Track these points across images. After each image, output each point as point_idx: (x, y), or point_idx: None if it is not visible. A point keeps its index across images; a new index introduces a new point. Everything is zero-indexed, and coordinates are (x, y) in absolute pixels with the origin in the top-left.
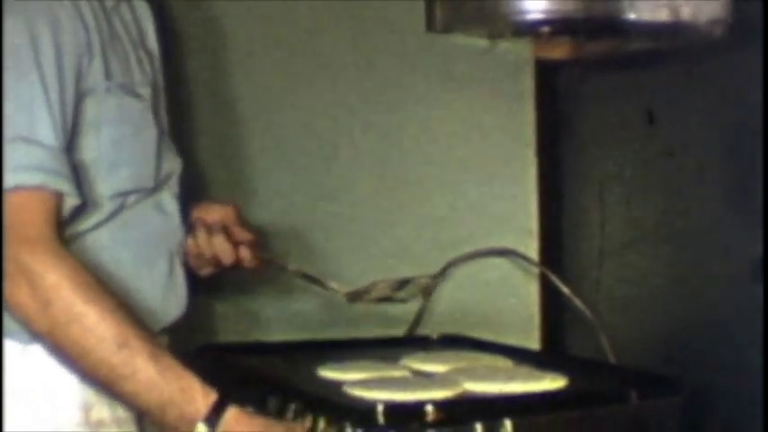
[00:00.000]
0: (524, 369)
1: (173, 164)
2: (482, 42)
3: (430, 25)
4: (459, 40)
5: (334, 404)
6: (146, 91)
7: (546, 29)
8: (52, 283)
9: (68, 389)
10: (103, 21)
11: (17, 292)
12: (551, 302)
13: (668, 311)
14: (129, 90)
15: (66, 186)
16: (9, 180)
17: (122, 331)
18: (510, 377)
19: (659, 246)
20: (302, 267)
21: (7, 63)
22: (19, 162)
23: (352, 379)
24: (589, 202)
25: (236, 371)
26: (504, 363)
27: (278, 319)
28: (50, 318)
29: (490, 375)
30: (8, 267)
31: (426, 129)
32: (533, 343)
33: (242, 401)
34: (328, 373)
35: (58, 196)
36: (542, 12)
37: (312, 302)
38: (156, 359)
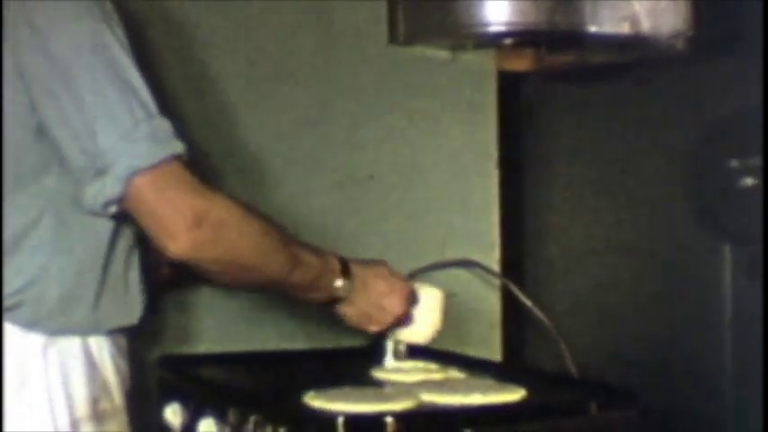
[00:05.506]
0: (484, 381)
1: None
2: (445, 54)
3: (392, 37)
4: (422, 51)
5: (295, 416)
6: None
7: (508, 41)
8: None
9: (82, 383)
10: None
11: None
12: (512, 314)
13: (630, 323)
14: None
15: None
16: (160, 152)
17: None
18: (470, 389)
19: (622, 257)
20: None
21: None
22: (160, 135)
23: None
24: (551, 213)
25: (197, 382)
26: (464, 374)
27: (241, 331)
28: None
29: (450, 387)
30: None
31: (388, 140)
32: (495, 354)
33: (202, 413)
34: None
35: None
36: (505, 24)
37: (275, 314)
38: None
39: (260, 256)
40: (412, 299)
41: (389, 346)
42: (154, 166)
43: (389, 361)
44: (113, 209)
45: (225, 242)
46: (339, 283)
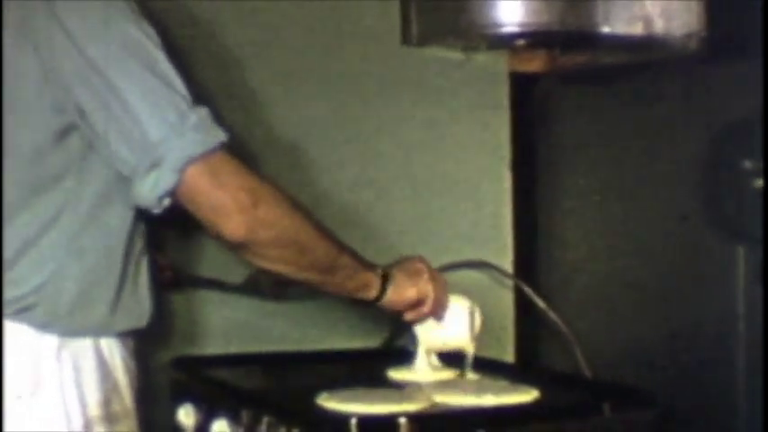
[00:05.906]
0: (497, 382)
1: None
2: (457, 55)
3: (405, 38)
4: (435, 52)
5: (308, 417)
6: None
7: (521, 42)
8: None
9: (94, 385)
10: None
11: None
12: (526, 315)
13: (643, 325)
14: None
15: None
16: (209, 141)
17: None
18: (482, 390)
19: (635, 258)
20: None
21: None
22: (205, 125)
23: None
24: (564, 215)
25: (210, 383)
26: (477, 375)
27: (254, 332)
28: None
29: (463, 388)
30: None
31: (401, 142)
32: (508, 355)
33: (215, 414)
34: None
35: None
36: (518, 24)
37: (285, 315)
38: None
39: (310, 236)
40: (446, 287)
41: (420, 350)
42: (205, 155)
43: (421, 365)
44: (167, 201)
45: (279, 222)
46: (377, 268)
